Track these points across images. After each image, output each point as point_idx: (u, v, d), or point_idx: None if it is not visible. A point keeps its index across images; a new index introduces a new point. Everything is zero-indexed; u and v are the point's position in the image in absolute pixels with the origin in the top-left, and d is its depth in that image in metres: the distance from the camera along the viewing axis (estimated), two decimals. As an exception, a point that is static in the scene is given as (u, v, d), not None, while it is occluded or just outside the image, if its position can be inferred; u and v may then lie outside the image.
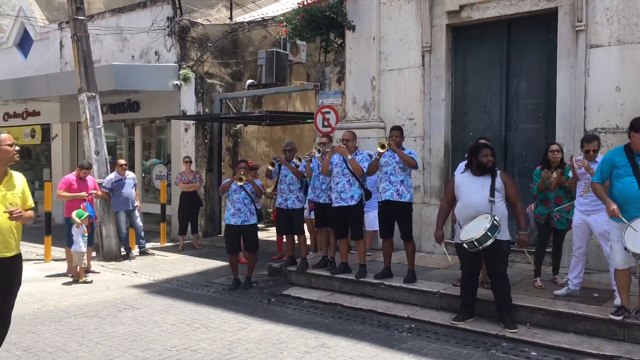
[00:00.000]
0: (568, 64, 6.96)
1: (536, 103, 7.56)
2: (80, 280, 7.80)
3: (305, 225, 7.89)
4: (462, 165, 6.00)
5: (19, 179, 4.18)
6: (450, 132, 8.18)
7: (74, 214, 7.96)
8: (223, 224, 11.85)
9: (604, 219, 5.27)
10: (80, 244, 7.85)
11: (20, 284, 4.28)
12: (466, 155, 5.69)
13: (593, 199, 5.37)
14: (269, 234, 11.63)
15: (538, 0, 7.20)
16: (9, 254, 4.05)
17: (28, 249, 10.43)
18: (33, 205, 4.30)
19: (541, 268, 6.23)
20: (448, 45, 8.04)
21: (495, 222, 5.11)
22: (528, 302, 5.60)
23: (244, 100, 12.60)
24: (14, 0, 15.62)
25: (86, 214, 8.05)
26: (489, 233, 5.07)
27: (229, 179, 7.50)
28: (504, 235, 5.29)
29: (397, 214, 6.53)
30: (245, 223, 7.29)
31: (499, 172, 5.42)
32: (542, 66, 7.47)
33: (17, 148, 4.12)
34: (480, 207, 5.29)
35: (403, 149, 6.58)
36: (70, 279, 7.96)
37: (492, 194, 5.26)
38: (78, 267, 7.89)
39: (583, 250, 5.72)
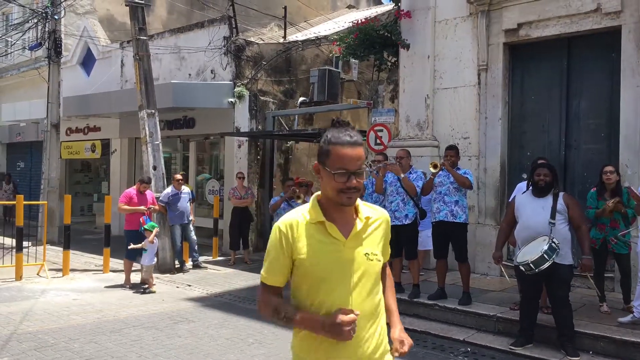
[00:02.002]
0: (633, 83, 6.75)
1: (598, 123, 7.35)
2: (154, 290, 8.13)
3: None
4: (521, 185, 5.87)
5: (382, 225, 2.22)
6: (506, 151, 8.03)
7: (147, 226, 8.27)
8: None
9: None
10: (151, 257, 8.25)
11: None
12: (523, 176, 5.58)
13: (660, 223, 5.17)
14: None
15: (600, 19, 7.04)
16: None
17: (87, 260, 10.82)
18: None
19: (604, 293, 5.99)
20: (505, 63, 7.94)
21: (553, 244, 4.95)
22: (591, 329, 5.40)
23: (296, 117, 12.76)
24: (79, 20, 16.41)
25: (156, 224, 8.48)
26: (545, 255, 4.92)
27: (278, 197, 7.59)
28: (566, 259, 5.11)
29: (451, 235, 6.43)
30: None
31: (561, 193, 5.27)
32: (604, 85, 7.27)
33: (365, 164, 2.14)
34: (539, 229, 5.14)
35: (458, 168, 6.49)
36: (128, 290, 8.23)
37: (552, 216, 5.12)
38: (150, 278, 8.24)
39: (650, 276, 5.48)
